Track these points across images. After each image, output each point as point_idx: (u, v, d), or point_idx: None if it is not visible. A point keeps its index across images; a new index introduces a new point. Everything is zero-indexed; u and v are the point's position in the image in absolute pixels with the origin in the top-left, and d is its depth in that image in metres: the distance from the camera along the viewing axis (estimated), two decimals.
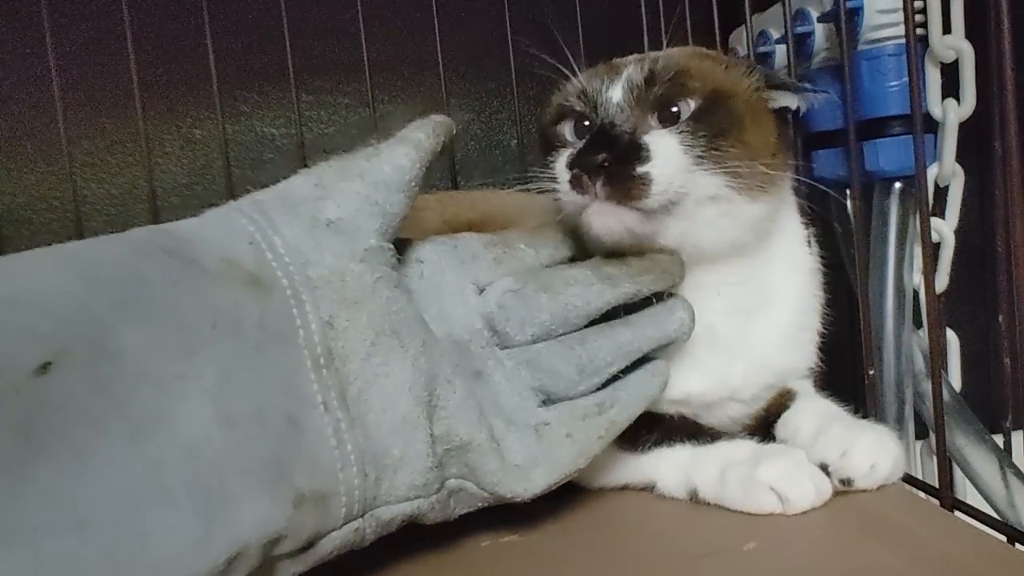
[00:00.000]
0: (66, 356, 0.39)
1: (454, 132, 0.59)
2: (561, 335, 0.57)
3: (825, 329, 0.73)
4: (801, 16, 0.95)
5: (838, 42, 0.81)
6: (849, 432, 0.62)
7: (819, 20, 0.93)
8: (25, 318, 0.40)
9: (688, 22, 1.01)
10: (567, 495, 0.66)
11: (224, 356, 0.44)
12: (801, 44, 0.95)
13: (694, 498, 0.61)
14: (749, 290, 0.67)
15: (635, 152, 0.58)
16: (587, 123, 0.63)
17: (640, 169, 0.57)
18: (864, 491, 0.60)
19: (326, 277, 0.50)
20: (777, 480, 0.57)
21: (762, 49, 0.99)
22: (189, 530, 0.40)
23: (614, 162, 0.56)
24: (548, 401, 0.57)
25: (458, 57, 1.13)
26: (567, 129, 0.65)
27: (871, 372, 0.76)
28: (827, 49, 0.95)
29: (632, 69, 0.62)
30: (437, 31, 1.02)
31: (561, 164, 0.60)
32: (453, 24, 1.07)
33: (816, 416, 0.65)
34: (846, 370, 0.74)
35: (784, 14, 0.86)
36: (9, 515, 0.35)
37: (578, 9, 1.07)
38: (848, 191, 0.70)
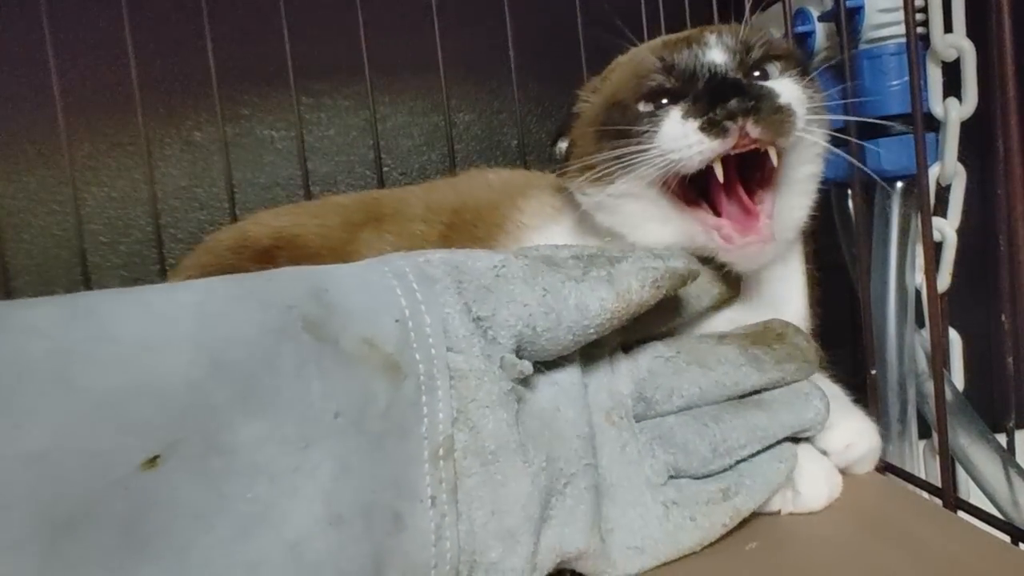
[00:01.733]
0: (177, 450, 0.38)
1: (686, 283, 0.54)
2: (695, 409, 0.55)
3: (827, 329, 0.73)
4: (801, 15, 0.95)
5: (839, 41, 0.81)
6: (839, 411, 0.62)
7: (820, 19, 0.93)
8: (142, 410, 0.38)
9: (688, 21, 1.02)
10: None
11: (343, 448, 0.42)
12: (802, 43, 0.94)
13: None
14: (768, 286, 0.67)
15: (768, 90, 0.57)
16: (668, 98, 0.61)
17: (783, 102, 0.56)
18: (839, 468, 0.61)
19: (464, 372, 0.46)
20: (792, 475, 0.57)
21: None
22: None
23: (760, 100, 0.55)
24: (674, 479, 0.54)
25: (458, 58, 1.13)
26: (644, 106, 0.62)
27: (873, 372, 0.76)
28: (828, 48, 0.94)
29: (721, 36, 0.62)
30: (437, 32, 1.02)
31: (674, 118, 0.58)
32: (453, 25, 1.07)
33: None
34: (848, 370, 0.74)
35: (784, 13, 0.86)
36: None
37: (578, 9, 1.07)
38: (849, 190, 0.70)
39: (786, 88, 0.59)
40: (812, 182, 0.64)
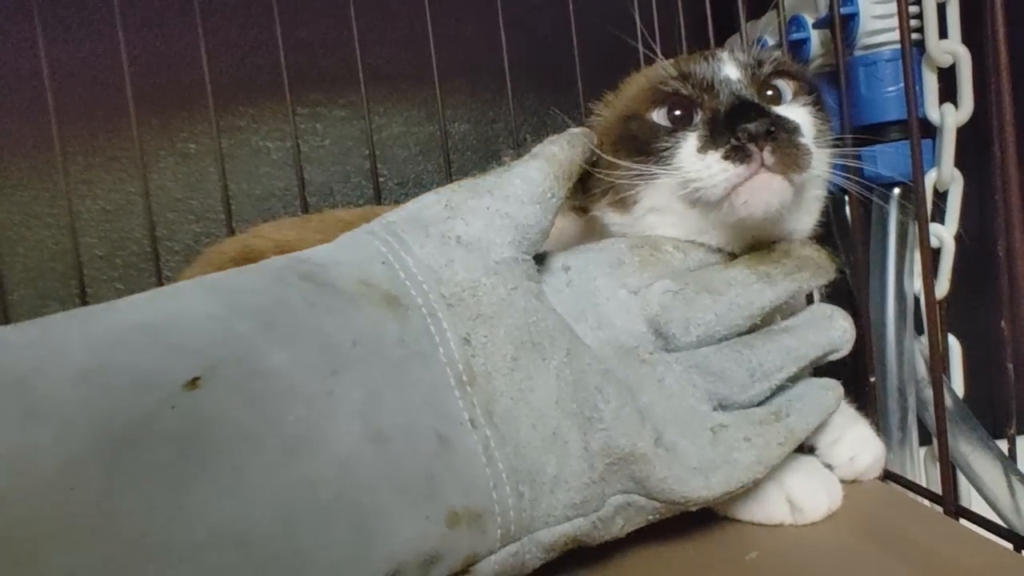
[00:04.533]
0: (216, 372, 0.40)
1: (594, 141, 0.60)
2: (724, 338, 0.56)
3: None
4: (796, 22, 0.95)
5: (834, 48, 0.81)
6: (843, 423, 0.64)
7: (814, 26, 0.93)
8: (172, 337, 0.41)
9: (682, 29, 1.02)
10: None
11: (368, 374, 0.44)
12: (796, 51, 0.94)
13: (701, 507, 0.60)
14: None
15: (789, 121, 0.57)
16: (684, 109, 0.61)
17: (802, 139, 0.56)
18: (844, 480, 0.61)
19: (459, 294, 0.49)
20: (791, 490, 0.57)
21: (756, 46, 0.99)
22: (346, 546, 0.40)
23: (778, 130, 0.55)
24: (720, 407, 0.55)
25: (454, 68, 1.13)
26: (660, 116, 0.62)
27: (873, 379, 0.75)
28: (823, 55, 0.95)
29: (734, 53, 0.62)
30: (432, 42, 1.02)
31: (690, 149, 0.58)
32: (448, 35, 1.07)
33: None
34: (847, 377, 0.74)
35: (779, 21, 0.86)
36: (173, 530, 0.36)
37: (572, 18, 1.07)
38: (847, 197, 0.70)
39: (802, 119, 0.59)
40: (817, 202, 0.64)
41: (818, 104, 0.63)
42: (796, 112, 0.60)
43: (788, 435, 0.55)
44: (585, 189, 0.68)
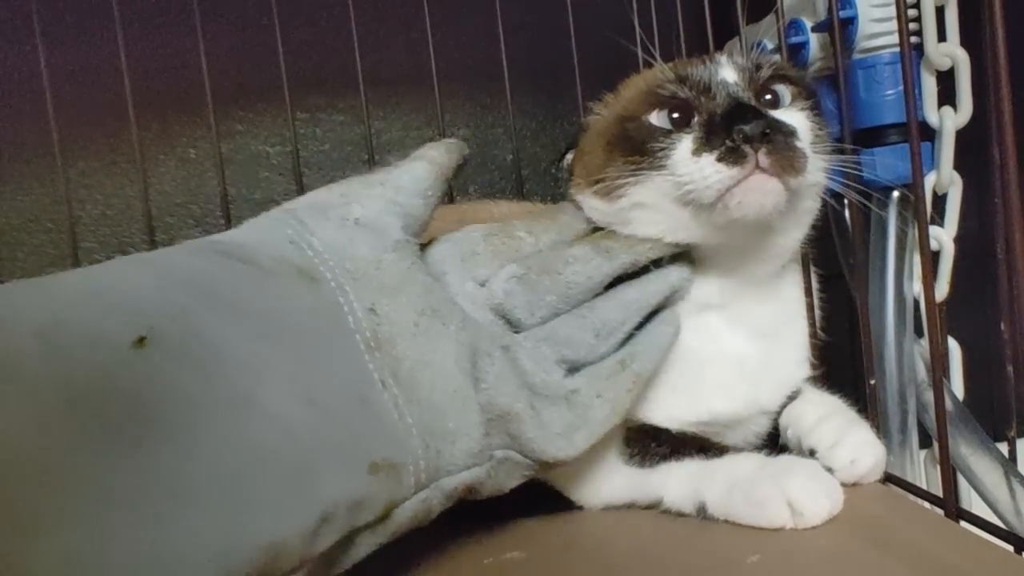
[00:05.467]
0: (158, 334, 0.42)
1: (466, 152, 0.64)
2: (569, 310, 0.61)
3: (825, 339, 0.73)
4: (795, 26, 0.95)
5: (832, 52, 0.81)
6: (844, 426, 0.64)
7: (813, 30, 0.93)
8: (115, 300, 0.44)
9: (681, 33, 1.02)
10: (570, 513, 0.66)
11: (294, 340, 0.48)
12: (796, 54, 0.94)
13: (702, 513, 0.60)
14: (774, 309, 0.68)
15: (786, 124, 0.58)
16: (682, 112, 0.61)
17: (798, 143, 0.57)
18: (844, 484, 0.61)
19: (363, 268, 0.54)
20: (792, 494, 0.57)
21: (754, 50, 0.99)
22: (285, 497, 0.43)
23: (774, 132, 0.56)
24: (573, 370, 0.60)
25: (452, 73, 1.13)
26: (659, 118, 0.62)
27: (872, 382, 0.75)
28: (822, 59, 0.95)
29: (733, 57, 0.63)
30: (431, 47, 1.02)
31: (684, 151, 0.59)
32: (447, 40, 1.07)
33: (820, 406, 0.68)
34: (847, 380, 0.74)
35: (778, 24, 0.86)
36: (132, 484, 0.38)
37: (571, 22, 1.07)
38: (846, 200, 0.70)
39: (799, 123, 0.60)
40: (809, 215, 0.65)
41: (816, 109, 0.64)
42: (794, 116, 0.61)
43: (636, 379, 0.61)
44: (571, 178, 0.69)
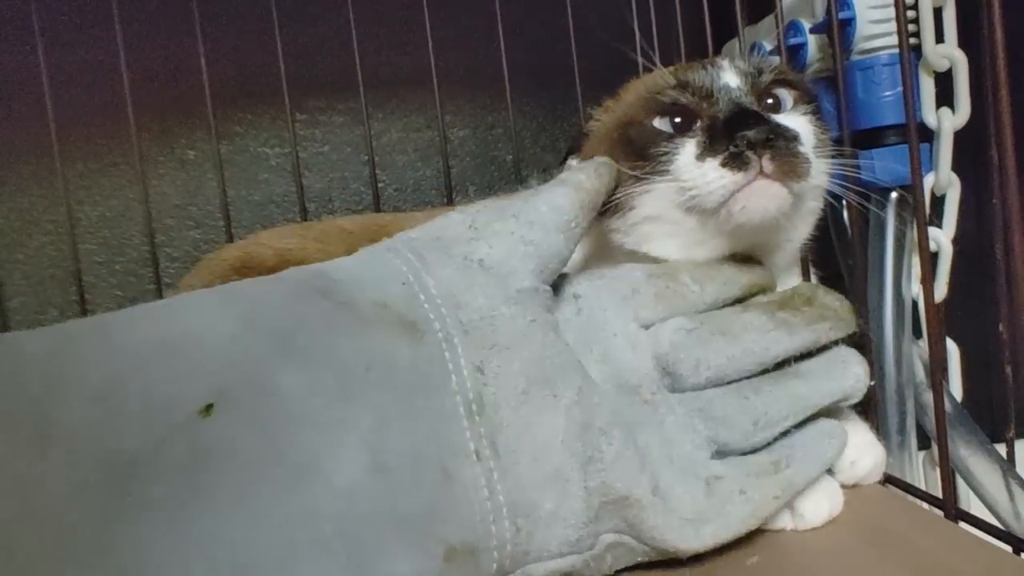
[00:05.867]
0: (229, 397, 0.39)
1: (616, 174, 0.59)
2: (732, 381, 0.54)
3: None
4: (793, 27, 0.95)
5: (831, 53, 0.81)
6: (845, 428, 0.63)
7: (812, 31, 0.93)
8: (189, 359, 0.40)
9: (680, 35, 1.02)
10: None
11: (379, 401, 0.44)
12: (794, 55, 0.95)
13: None
14: None
15: (789, 129, 0.57)
16: (684, 117, 0.61)
17: (801, 148, 0.56)
18: (844, 485, 0.61)
19: (477, 321, 0.48)
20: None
21: (755, 54, 0.99)
22: None
23: (777, 137, 0.55)
24: (719, 454, 0.53)
25: (452, 73, 1.13)
26: (661, 123, 0.61)
27: (871, 383, 0.75)
28: (820, 60, 0.95)
29: (734, 61, 0.63)
30: (431, 48, 1.02)
31: (688, 156, 0.58)
32: (447, 40, 1.07)
33: None
34: None
35: (777, 26, 0.86)
36: (173, 559, 0.35)
37: (571, 23, 1.07)
38: (844, 201, 0.70)
39: (802, 127, 0.59)
40: (812, 215, 0.65)
41: (818, 113, 0.63)
42: (796, 121, 0.60)
43: (786, 487, 0.54)
44: None
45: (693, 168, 0.57)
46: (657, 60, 0.66)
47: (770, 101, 0.62)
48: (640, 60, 0.69)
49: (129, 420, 0.37)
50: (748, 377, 0.54)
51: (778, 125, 0.57)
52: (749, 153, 0.55)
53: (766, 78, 0.62)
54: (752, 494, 0.52)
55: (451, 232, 0.52)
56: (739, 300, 0.59)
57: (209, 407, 0.39)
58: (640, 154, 0.60)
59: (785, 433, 0.55)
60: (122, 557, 0.35)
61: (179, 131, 1.16)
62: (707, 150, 0.57)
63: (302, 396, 0.42)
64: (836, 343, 0.58)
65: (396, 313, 0.47)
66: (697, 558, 0.53)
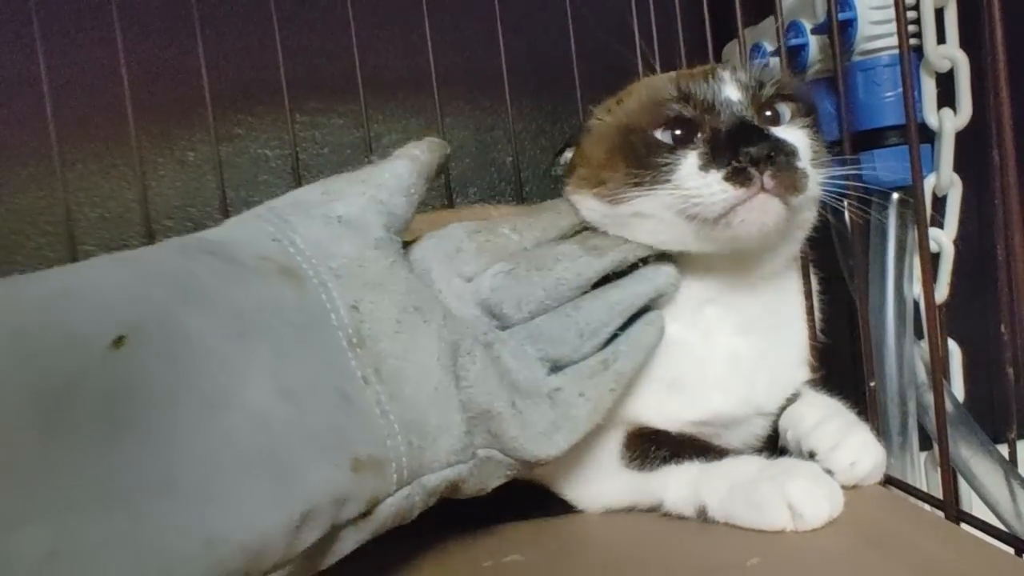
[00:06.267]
0: (138, 332, 0.43)
1: (448, 151, 0.64)
2: (555, 307, 0.61)
3: (826, 341, 0.73)
4: (794, 28, 0.95)
5: (832, 54, 0.81)
6: (843, 428, 0.64)
7: (813, 32, 0.93)
8: (93, 301, 0.44)
9: (681, 36, 1.02)
10: (569, 516, 0.66)
11: (275, 337, 0.48)
12: (795, 56, 0.94)
13: (702, 515, 0.60)
14: (771, 311, 0.68)
15: (788, 144, 0.59)
16: (686, 129, 0.62)
17: (799, 164, 0.58)
18: (845, 486, 0.61)
19: (346, 265, 0.54)
20: (793, 496, 0.57)
21: (756, 62, 0.99)
22: (266, 492, 0.43)
23: (777, 153, 0.57)
24: (555, 368, 0.60)
25: (452, 76, 1.13)
26: (661, 134, 0.63)
27: (872, 384, 0.75)
28: (821, 61, 0.95)
29: (736, 73, 0.64)
30: (431, 50, 1.02)
31: (691, 167, 0.59)
32: (447, 43, 1.07)
33: (820, 409, 0.68)
34: (847, 382, 0.74)
35: (777, 27, 0.86)
36: (105, 479, 0.38)
37: (570, 24, 1.07)
38: (845, 203, 0.70)
39: (799, 141, 0.61)
40: (807, 223, 0.66)
41: (815, 126, 0.65)
42: (794, 134, 0.62)
43: (618, 379, 0.61)
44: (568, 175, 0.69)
45: (697, 178, 0.59)
46: (657, 61, 0.66)
47: (769, 114, 0.63)
48: (640, 62, 0.69)
49: (47, 355, 0.40)
50: (570, 300, 0.61)
51: (779, 141, 0.58)
52: (751, 169, 0.57)
53: (767, 92, 0.63)
54: (590, 393, 0.59)
55: (307, 197, 0.58)
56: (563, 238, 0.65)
57: (120, 339, 0.42)
58: (641, 162, 0.62)
59: (611, 336, 0.62)
60: (59, 474, 0.37)
61: (179, 132, 1.16)
62: (710, 162, 0.58)
63: (206, 334, 0.45)
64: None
65: (276, 263, 0.52)
66: (686, 556, 0.53)
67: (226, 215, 1.04)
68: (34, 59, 0.97)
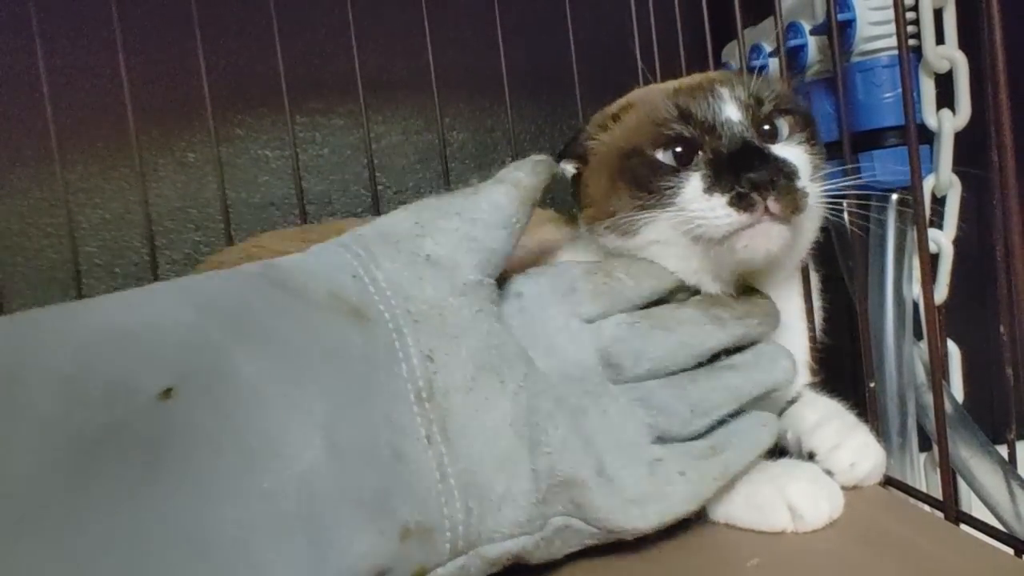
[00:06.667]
0: (187, 381, 0.41)
1: (556, 170, 0.60)
2: (671, 373, 0.57)
3: (825, 342, 0.73)
4: (793, 29, 0.95)
5: (831, 54, 0.81)
6: (843, 429, 0.65)
7: (812, 33, 0.93)
8: (149, 346, 0.42)
9: (680, 37, 1.02)
10: None
11: (332, 386, 0.45)
12: (794, 57, 0.94)
13: (702, 516, 0.60)
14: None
15: (789, 165, 0.58)
16: (686, 148, 0.62)
17: (799, 183, 0.58)
18: (844, 487, 0.61)
19: (426, 312, 0.51)
20: (793, 497, 0.57)
21: (755, 63, 0.99)
22: (303, 559, 0.40)
23: (780, 177, 0.57)
24: (659, 440, 0.56)
25: (452, 77, 1.13)
26: (662, 155, 0.63)
27: (872, 385, 0.75)
28: (820, 61, 0.95)
29: (734, 90, 0.63)
30: (430, 50, 1.03)
31: (695, 189, 0.59)
32: (446, 43, 1.07)
33: (820, 410, 0.68)
34: (847, 383, 0.74)
35: (776, 27, 0.86)
36: (136, 535, 0.37)
37: (570, 25, 1.07)
38: (844, 204, 0.70)
39: (798, 158, 0.61)
40: (809, 235, 0.66)
41: (813, 139, 0.64)
42: (792, 151, 0.62)
43: (723, 470, 0.56)
44: (580, 205, 0.68)
45: (702, 201, 0.59)
46: (656, 62, 0.66)
47: (767, 128, 0.63)
48: (640, 59, 0.69)
49: (93, 403, 0.39)
50: (685, 369, 0.58)
51: (780, 163, 0.58)
52: (754, 195, 0.56)
53: (766, 108, 0.63)
54: (692, 475, 0.54)
55: (398, 229, 0.54)
56: (672, 292, 0.62)
57: (168, 391, 0.40)
58: (644, 186, 0.62)
59: (722, 421, 0.58)
60: (87, 530, 0.36)
61: (179, 134, 1.16)
62: (714, 184, 0.58)
63: (259, 381, 0.43)
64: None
65: (347, 303, 0.49)
66: (687, 557, 0.54)
67: (226, 216, 1.04)
68: (34, 61, 0.98)
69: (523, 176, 0.57)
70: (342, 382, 0.46)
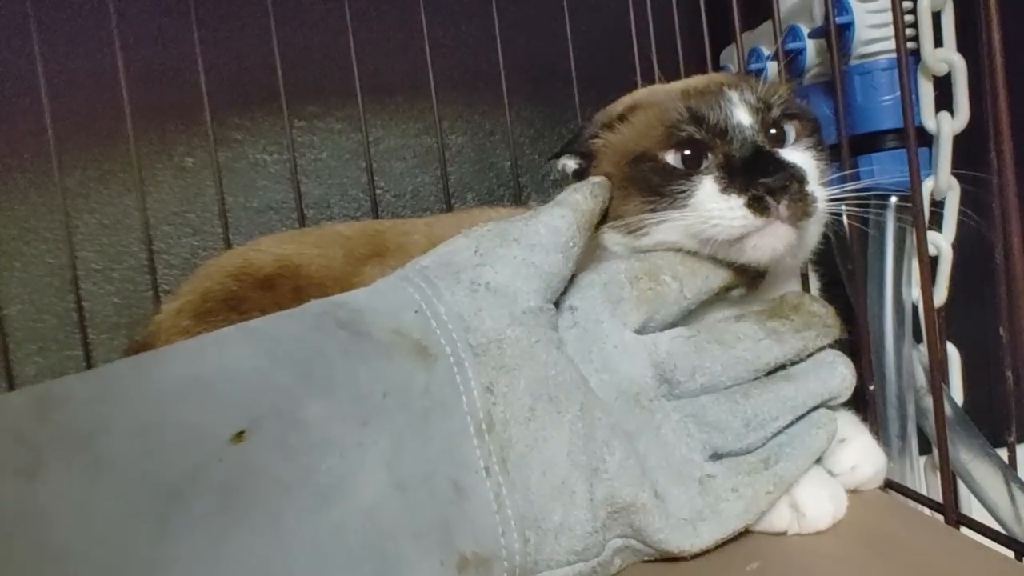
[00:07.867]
0: (259, 425, 0.43)
1: (610, 192, 0.61)
2: (725, 388, 0.57)
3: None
4: (792, 32, 0.95)
5: (829, 58, 0.82)
6: (847, 432, 0.64)
7: (810, 36, 0.93)
8: (221, 393, 0.44)
9: (679, 40, 1.02)
10: None
11: (395, 425, 0.47)
12: (793, 60, 0.95)
13: None
14: None
15: (799, 170, 0.59)
16: (696, 151, 0.62)
17: (809, 188, 0.59)
18: (844, 490, 0.61)
19: (484, 344, 0.51)
20: (797, 497, 0.57)
21: (754, 66, 0.99)
22: None
23: (791, 182, 0.58)
24: (714, 456, 0.56)
25: (450, 80, 1.13)
26: (673, 158, 0.63)
27: (872, 388, 0.75)
28: (819, 64, 0.95)
29: (744, 94, 0.64)
30: (428, 54, 1.03)
31: (710, 190, 0.60)
32: (445, 47, 1.07)
33: None
34: None
35: (775, 31, 0.86)
36: (216, 574, 0.39)
37: (568, 29, 1.07)
38: (843, 207, 0.70)
39: (806, 163, 0.62)
40: (814, 238, 0.66)
41: (820, 145, 0.65)
42: (800, 156, 0.62)
43: (777, 483, 0.56)
44: None
45: (720, 201, 0.59)
46: (655, 65, 0.66)
47: (775, 132, 0.64)
48: (639, 60, 0.69)
49: (169, 450, 0.41)
50: (740, 383, 0.57)
51: (792, 169, 0.59)
52: (768, 199, 0.57)
53: (775, 113, 0.64)
54: (744, 491, 0.54)
55: (459, 258, 0.55)
56: (718, 294, 0.62)
57: (241, 433, 0.42)
58: (656, 190, 0.62)
59: (776, 432, 0.57)
60: (169, 574, 0.38)
61: (177, 138, 1.16)
62: (730, 187, 0.59)
63: (325, 423, 0.45)
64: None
65: (410, 340, 0.50)
66: (687, 559, 0.53)
67: (225, 220, 1.04)
68: (32, 64, 0.98)
69: (581, 199, 0.58)
70: (404, 420, 0.47)
